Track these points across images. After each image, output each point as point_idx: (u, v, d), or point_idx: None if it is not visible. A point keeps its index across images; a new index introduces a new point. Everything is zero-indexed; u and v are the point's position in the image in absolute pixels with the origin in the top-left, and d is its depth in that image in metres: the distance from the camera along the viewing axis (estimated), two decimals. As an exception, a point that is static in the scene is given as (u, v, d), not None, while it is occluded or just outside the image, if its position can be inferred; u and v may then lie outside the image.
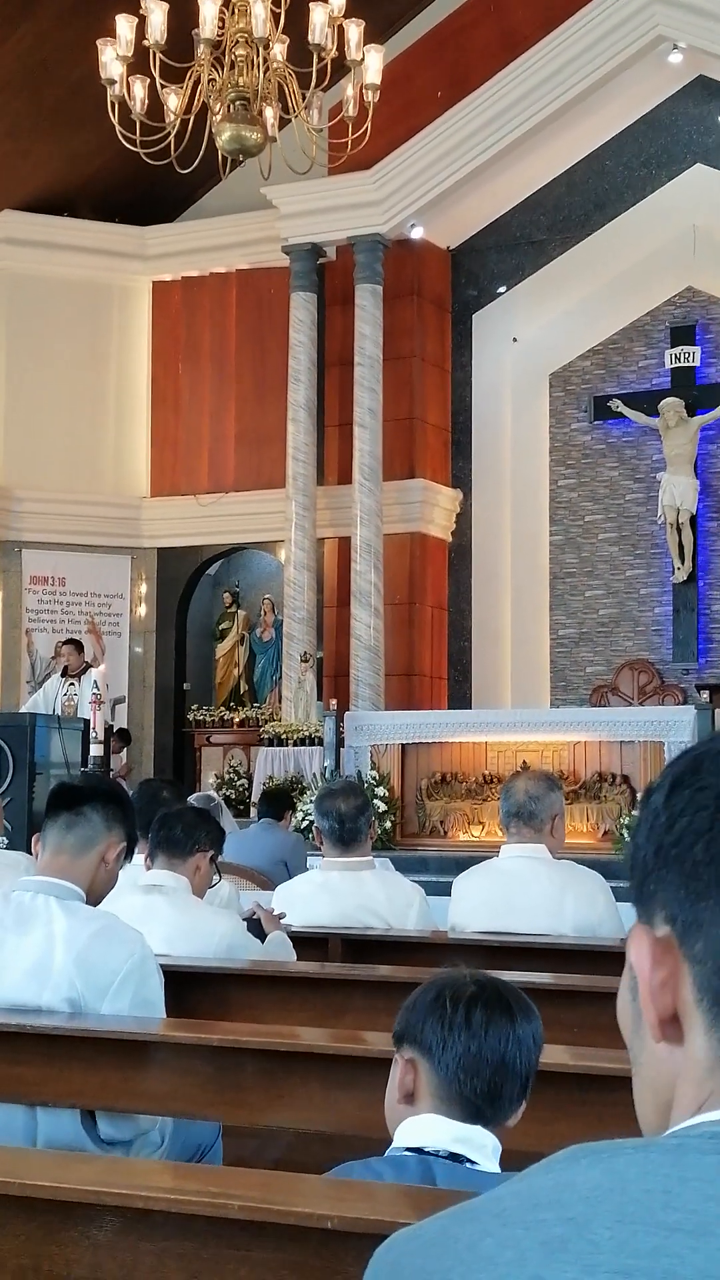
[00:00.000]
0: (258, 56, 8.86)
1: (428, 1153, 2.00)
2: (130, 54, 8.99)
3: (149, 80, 9.04)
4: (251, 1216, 1.90)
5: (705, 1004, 0.87)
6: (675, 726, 11.16)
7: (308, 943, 4.61)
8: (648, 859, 0.91)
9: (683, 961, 0.88)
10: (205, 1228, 1.95)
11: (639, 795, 11.19)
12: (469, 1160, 2.00)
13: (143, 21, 8.82)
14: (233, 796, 13.73)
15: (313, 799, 6.16)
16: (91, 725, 9.79)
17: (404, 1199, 1.87)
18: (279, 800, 8.43)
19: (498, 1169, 2.01)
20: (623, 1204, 0.78)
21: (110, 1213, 2.00)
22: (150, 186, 14.78)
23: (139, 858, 4.14)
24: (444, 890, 4.93)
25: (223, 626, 16.29)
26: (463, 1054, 2.04)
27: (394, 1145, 2.06)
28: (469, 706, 14.59)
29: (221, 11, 8.77)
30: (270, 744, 13.88)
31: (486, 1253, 0.80)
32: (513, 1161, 1.99)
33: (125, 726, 14.53)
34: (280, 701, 14.77)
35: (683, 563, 14.38)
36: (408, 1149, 2.03)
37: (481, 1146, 2.02)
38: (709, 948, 0.86)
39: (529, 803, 4.53)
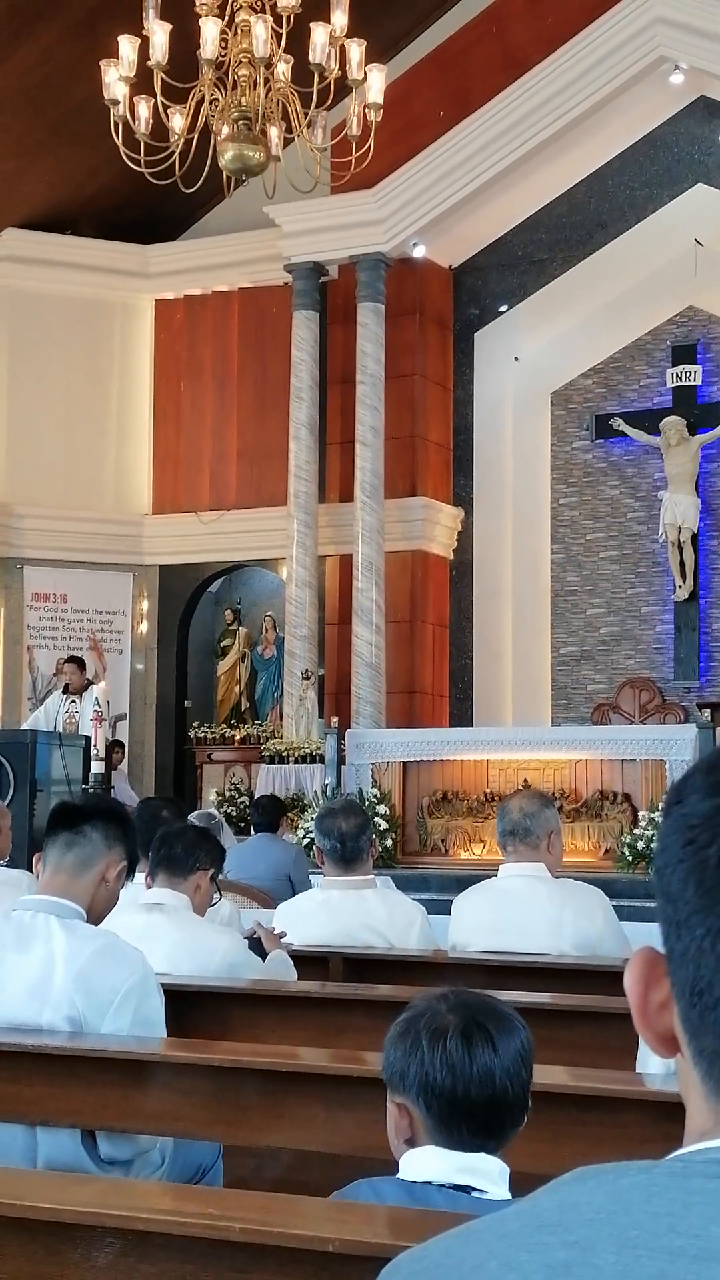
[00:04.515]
0: (260, 76, 8.89)
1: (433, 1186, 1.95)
2: (133, 74, 9.00)
3: (152, 100, 9.06)
4: (252, 1239, 1.89)
5: (686, 1033, 0.86)
6: (676, 745, 11.15)
7: (309, 961, 4.60)
8: (655, 878, 0.91)
9: (671, 987, 0.88)
10: (205, 1250, 1.94)
11: (640, 814, 11.18)
12: (476, 1190, 1.94)
13: (145, 42, 8.84)
14: (234, 814, 13.70)
15: (313, 817, 6.14)
16: (93, 742, 9.78)
17: (406, 1222, 1.86)
18: (272, 809, 8.24)
19: (507, 1194, 1.94)
20: (626, 1227, 0.78)
21: (110, 1234, 2.00)
22: (153, 205, 14.83)
23: (140, 876, 4.13)
24: (445, 909, 4.92)
25: (224, 644, 16.28)
26: (450, 1098, 1.97)
27: (399, 1178, 2.01)
28: (470, 724, 14.57)
29: (223, 32, 8.80)
30: (271, 761, 13.86)
31: (490, 1275, 0.80)
32: (514, 1185, 1.97)
33: (119, 739, 14.47)
34: (281, 719, 14.75)
35: (684, 581, 14.39)
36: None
37: (487, 1173, 1.96)
38: (684, 978, 0.86)
39: (524, 820, 4.53)
